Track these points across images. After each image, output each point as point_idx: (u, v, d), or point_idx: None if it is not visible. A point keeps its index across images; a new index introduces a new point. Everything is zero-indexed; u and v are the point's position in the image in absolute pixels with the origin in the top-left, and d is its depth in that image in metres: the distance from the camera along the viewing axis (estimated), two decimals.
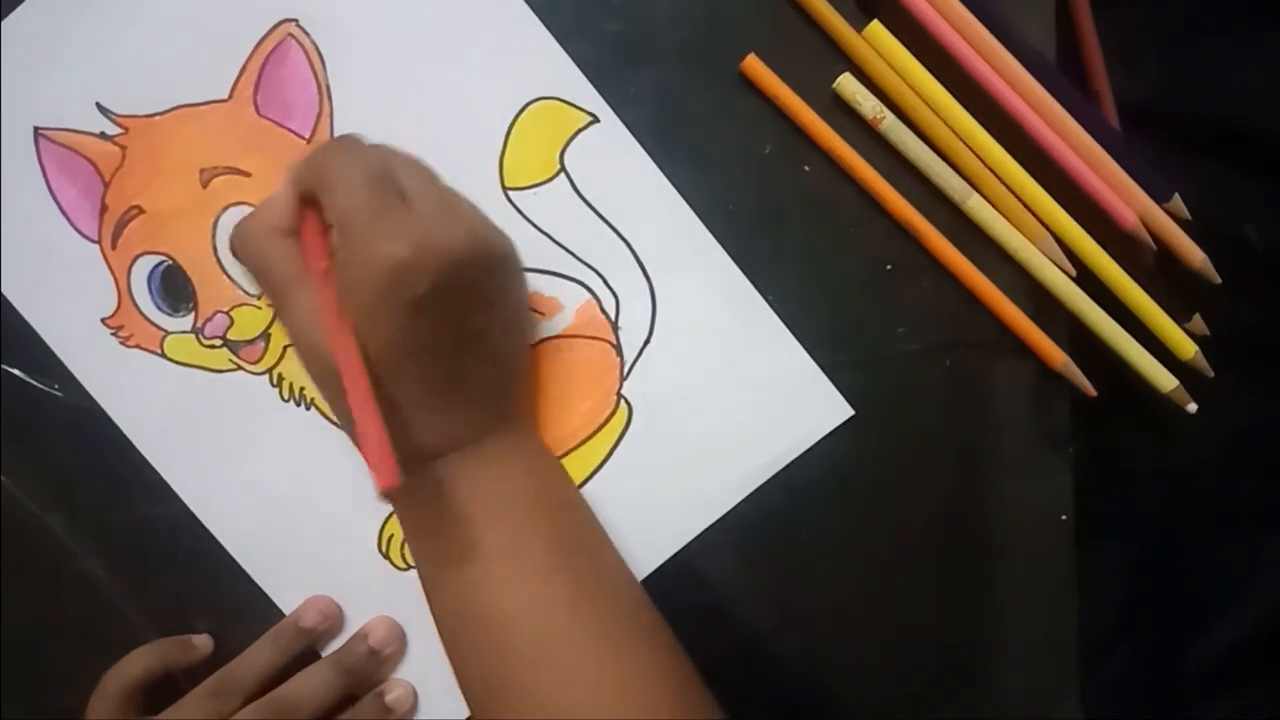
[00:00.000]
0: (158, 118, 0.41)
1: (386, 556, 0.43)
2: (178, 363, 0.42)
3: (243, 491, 0.43)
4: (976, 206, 0.41)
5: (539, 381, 0.42)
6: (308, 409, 0.42)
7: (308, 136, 0.41)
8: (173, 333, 0.42)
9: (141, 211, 0.42)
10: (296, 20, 0.41)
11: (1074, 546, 0.43)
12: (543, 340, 0.42)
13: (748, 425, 0.42)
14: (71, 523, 0.43)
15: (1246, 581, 0.52)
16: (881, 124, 0.41)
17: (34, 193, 0.41)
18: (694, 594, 0.43)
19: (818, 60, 0.41)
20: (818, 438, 0.42)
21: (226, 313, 0.42)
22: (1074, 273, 0.41)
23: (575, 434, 0.42)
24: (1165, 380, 0.42)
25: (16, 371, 0.42)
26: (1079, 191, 0.41)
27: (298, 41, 0.41)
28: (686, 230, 0.42)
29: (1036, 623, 0.44)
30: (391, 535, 0.43)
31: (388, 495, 0.30)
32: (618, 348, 0.42)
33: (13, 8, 0.41)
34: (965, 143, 0.41)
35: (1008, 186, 0.41)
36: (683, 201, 0.41)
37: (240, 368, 0.42)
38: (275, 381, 0.42)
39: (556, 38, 0.41)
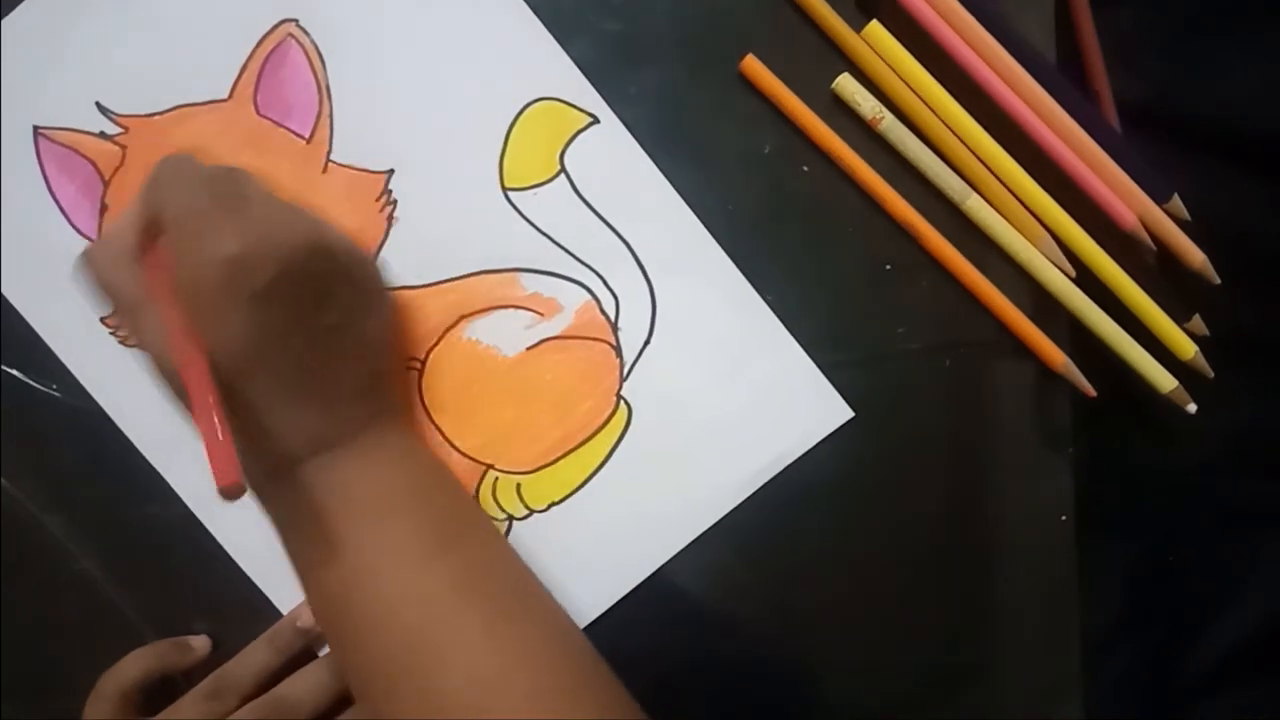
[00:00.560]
0: (158, 117, 0.41)
1: None
2: None
3: None
4: (976, 207, 0.41)
5: (539, 382, 0.42)
6: None
7: (308, 136, 0.41)
8: None
9: None
10: (296, 20, 0.41)
11: (1074, 546, 0.43)
12: (543, 341, 0.42)
13: (748, 426, 0.42)
14: (71, 523, 0.43)
15: (1246, 581, 0.52)
16: (881, 124, 0.41)
17: (34, 192, 0.41)
18: (694, 595, 0.43)
19: (817, 60, 0.41)
20: (817, 439, 0.42)
21: None
22: (1074, 273, 0.41)
23: (575, 435, 0.42)
24: (1165, 380, 0.42)
25: (16, 372, 0.42)
26: (1078, 192, 0.41)
27: (298, 41, 0.41)
28: (686, 231, 0.42)
29: (1036, 623, 0.44)
30: None
31: (228, 494, 0.30)
32: (617, 348, 0.42)
33: (13, 8, 0.41)
34: (964, 143, 0.41)
35: (1007, 187, 0.41)
36: (682, 202, 0.41)
37: None
38: None
39: (556, 38, 0.41)
